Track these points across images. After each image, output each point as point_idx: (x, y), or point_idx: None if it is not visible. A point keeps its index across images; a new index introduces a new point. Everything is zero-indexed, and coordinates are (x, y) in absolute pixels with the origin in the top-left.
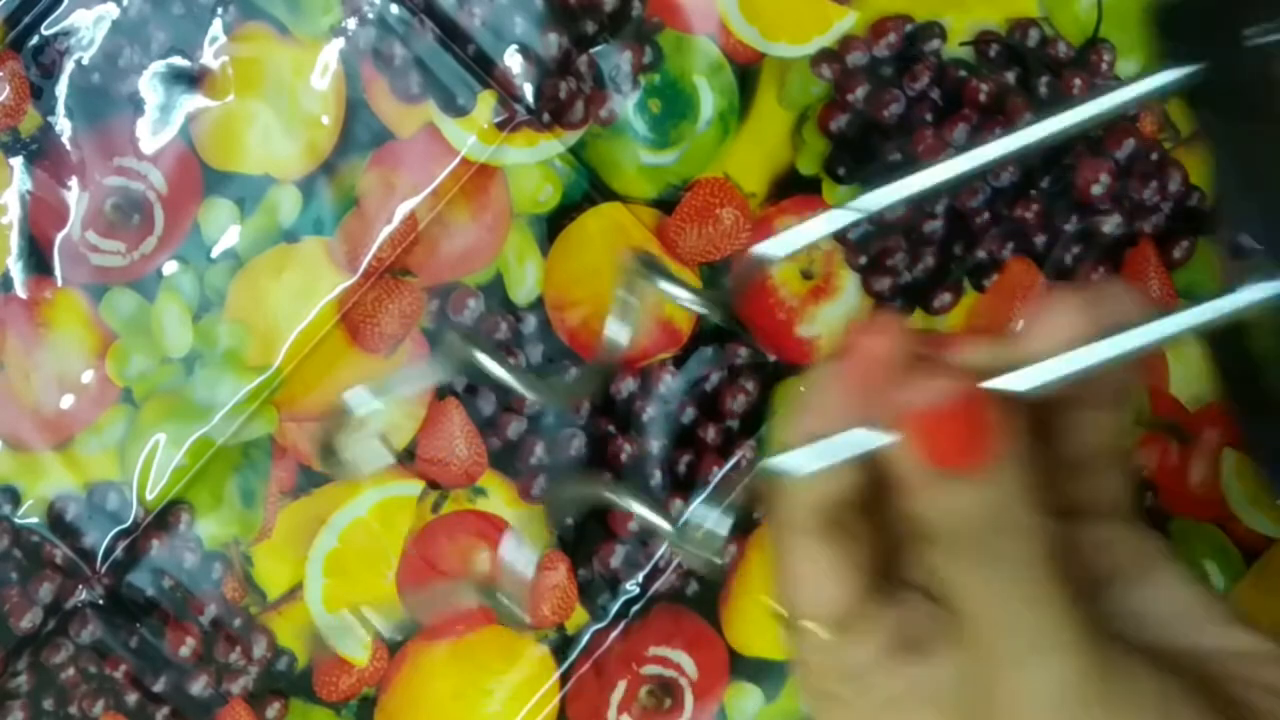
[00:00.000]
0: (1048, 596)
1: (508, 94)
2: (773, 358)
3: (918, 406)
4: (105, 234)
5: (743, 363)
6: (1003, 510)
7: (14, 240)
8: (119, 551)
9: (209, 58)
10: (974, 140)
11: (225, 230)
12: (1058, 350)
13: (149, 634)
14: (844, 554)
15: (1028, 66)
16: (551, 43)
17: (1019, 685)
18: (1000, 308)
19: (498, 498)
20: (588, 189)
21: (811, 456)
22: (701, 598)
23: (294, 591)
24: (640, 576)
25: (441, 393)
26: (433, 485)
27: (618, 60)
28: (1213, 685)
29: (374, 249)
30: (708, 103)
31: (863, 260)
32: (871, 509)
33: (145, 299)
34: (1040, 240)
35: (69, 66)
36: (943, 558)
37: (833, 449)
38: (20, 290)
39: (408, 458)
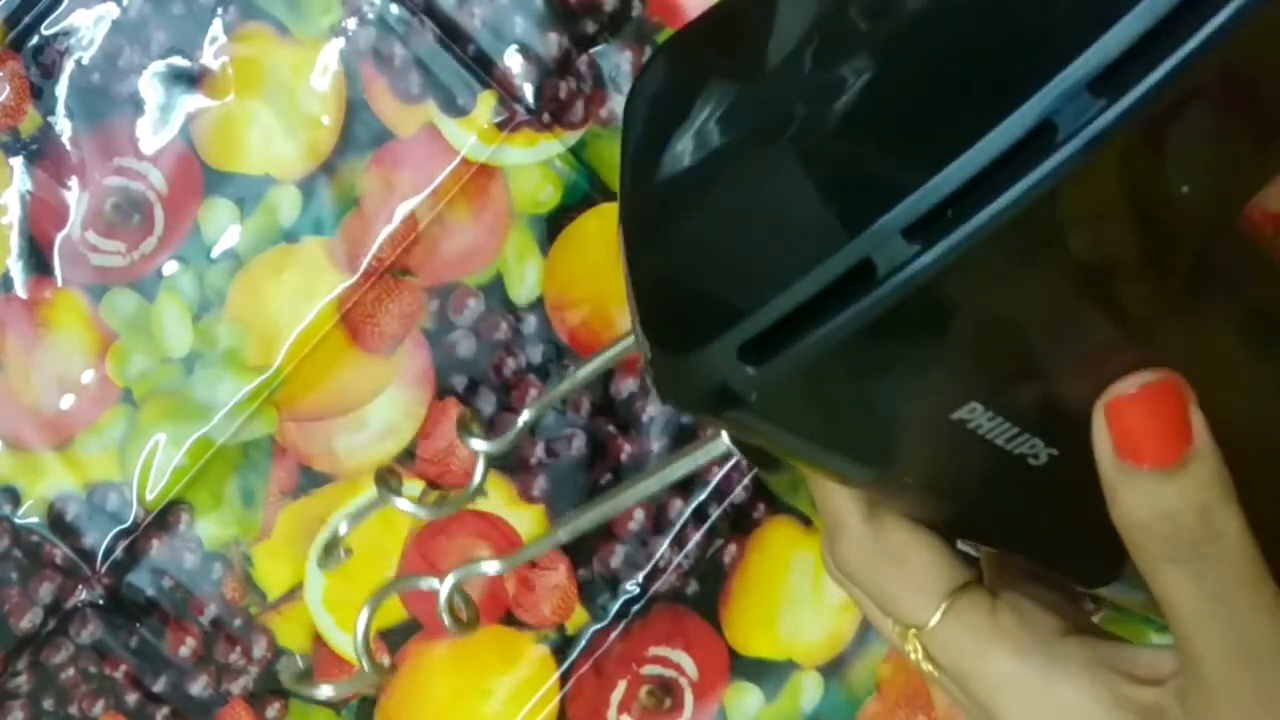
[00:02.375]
0: (1255, 605)
1: (508, 94)
2: None
3: (1111, 397)
4: (105, 234)
5: None
6: (1204, 509)
7: (14, 240)
8: (119, 551)
9: (209, 58)
10: None
11: (225, 230)
12: None
13: (149, 634)
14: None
15: None
16: (552, 43)
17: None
18: None
19: (497, 498)
20: (588, 189)
21: None
22: (701, 598)
23: (294, 591)
24: (640, 577)
25: (441, 393)
26: (432, 485)
27: (618, 60)
28: None
29: (374, 249)
30: None
31: None
32: None
33: (145, 299)
34: None
35: (69, 66)
36: (1150, 564)
37: None
38: (20, 290)
39: (408, 458)
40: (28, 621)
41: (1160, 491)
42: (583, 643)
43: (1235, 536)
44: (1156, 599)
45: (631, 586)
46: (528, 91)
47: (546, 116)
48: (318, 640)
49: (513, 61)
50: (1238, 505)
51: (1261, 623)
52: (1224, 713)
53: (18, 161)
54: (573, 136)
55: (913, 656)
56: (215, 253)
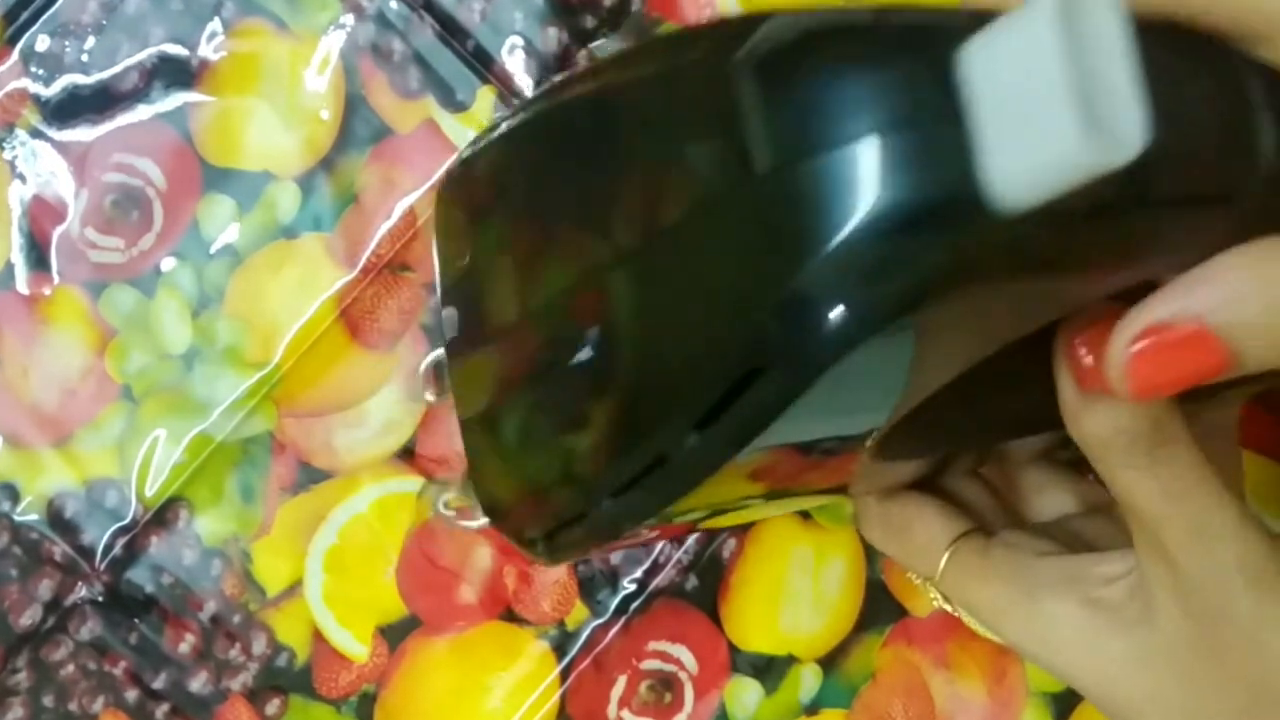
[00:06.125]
0: (1207, 493)
1: (507, 89)
2: None
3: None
4: (104, 230)
5: None
6: (1157, 420)
7: (13, 237)
8: (118, 548)
9: (207, 53)
10: None
11: (224, 226)
12: None
13: (148, 631)
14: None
15: None
16: (551, 38)
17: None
18: None
19: None
20: None
21: None
22: (701, 593)
23: (293, 588)
24: (640, 572)
25: (440, 390)
26: (432, 480)
27: None
28: None
29: (373, 245)
30: None
31: None
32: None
33: (144, 295)
34: None
35: (67, 62)
36: (1111, 471)
37: None
38: (19, 287)
39: (407, 455)
40: (27, 619)
41: (1118, 413)
42: (583, 638)
43: (1185, 440)
44: (1118, 499)
45: (631, 582)
46: (527, 87)
47: None
48: (317, 636)
49: (512, 57)
50: (1181, 414)
51: (1213, 508)
52: (1182, 591)
53: (16, 158)
54: None
55: (936, 601)
56: (214, 249)
